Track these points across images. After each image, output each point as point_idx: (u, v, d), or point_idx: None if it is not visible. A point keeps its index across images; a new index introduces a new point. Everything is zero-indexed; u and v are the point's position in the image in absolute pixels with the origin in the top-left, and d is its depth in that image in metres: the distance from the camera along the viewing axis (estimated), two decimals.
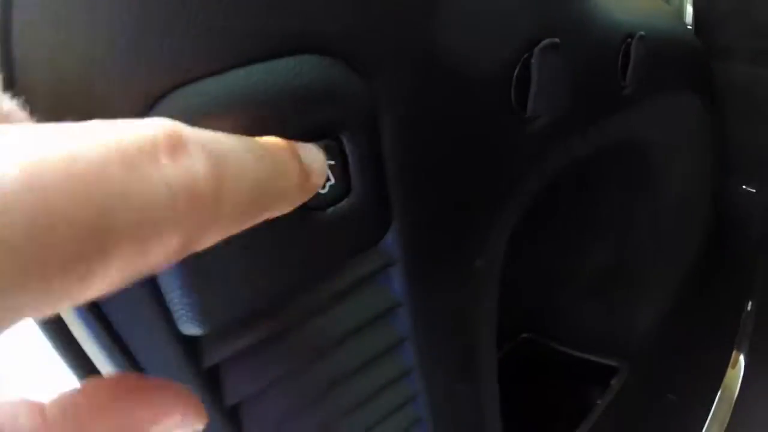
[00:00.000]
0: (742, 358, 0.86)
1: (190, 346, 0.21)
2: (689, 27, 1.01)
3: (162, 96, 0.15)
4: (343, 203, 0.20)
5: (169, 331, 0.20)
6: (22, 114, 0.12)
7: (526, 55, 0.28)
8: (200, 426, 0.15)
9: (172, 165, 0.10)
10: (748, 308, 0.95)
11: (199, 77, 0.16)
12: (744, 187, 1.29)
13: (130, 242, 0.10)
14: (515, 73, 0.28)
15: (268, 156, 0.13)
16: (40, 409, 0.13)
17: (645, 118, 0.54)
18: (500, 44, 0.27)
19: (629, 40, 0.44)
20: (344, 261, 0.22)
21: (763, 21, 1.04)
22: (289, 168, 0.14)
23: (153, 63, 0.15)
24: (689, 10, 1.11)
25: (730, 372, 0.83)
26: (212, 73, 0.16)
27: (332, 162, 0.18)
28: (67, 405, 0.13)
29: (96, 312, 0.17)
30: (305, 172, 0.15)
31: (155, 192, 0.10)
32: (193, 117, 0.15)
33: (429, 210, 0.25)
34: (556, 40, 0.30)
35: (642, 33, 0.45)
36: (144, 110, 0.15)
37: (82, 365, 0.19)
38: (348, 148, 0.19)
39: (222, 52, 0.16)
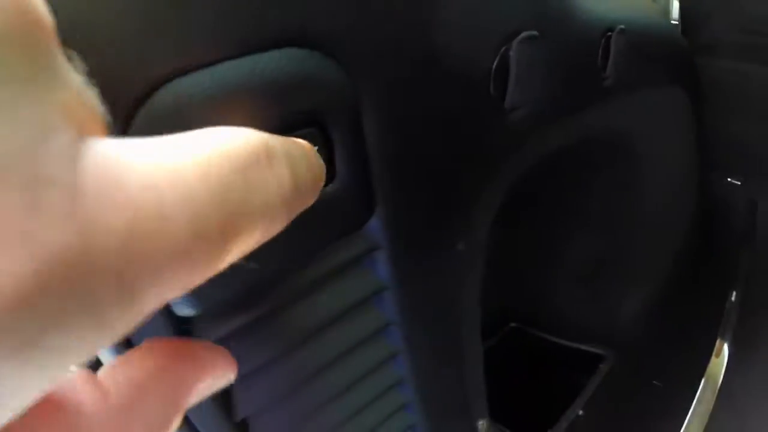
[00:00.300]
0: (726, 347, 0.88)
1: (184, 327, 0.22)
2: (675, 22, 1.03)
3: (161, 85, 0.16)
4: (328, 188, 0.21)
5: (163, 312, 0.20)
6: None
7: (504, 48, 0.30)
8: (233, 377, 0.17)
9: (271, 170, 0.13)
10: (732, 298, 0.97)
11: (194, 68, 0.17)
12: (729, 179, 1.32)
13: (256, 229, 0.12)
14: (494, 65, 0.29)
15: (312, 158, 0.16)
16: (94, 379, 0.13)
17: (628, 111, 0.55)
18: (479, 37, 0.28)
19: (610, 33, 0.45)
20: (329, 244, 0.23)
21: (749, 16, 1.06)
22: (317, 169, 0.16)
23: (152, 54, 0.16)
24: (675, 5, 1.13)
25: (714, 360, 0.85)
26: (206, 65, 0.17)
27: (317, 148, 0.19)
28: (118, 374, 0.14)
29: None
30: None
31: (270, 191, 0.12)
32: (191, 105, 0.16)
33: (411, 196, 0.26)
34: (535, 32, 0.31)
35: (622, 27, 0.46)
36: (143, 97, 0.16)
37: None
38: (333, 136, 0.20)
39: (215, 44, 0.17)
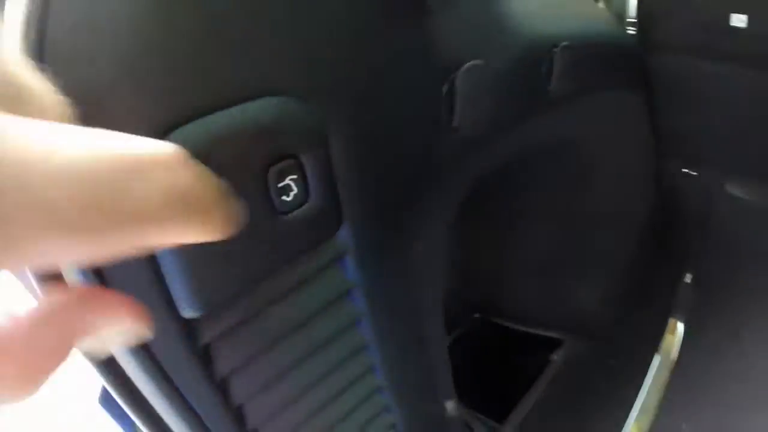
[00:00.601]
0: (680, 325, 0.95)
1: (188, 328, 0.26)
2: (632, 21, 1.09)
3: (171, 130, 0.20)
4: (304, 207, 0.26)
5: (171, 315, 0.25)
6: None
7: (452, 76, 0.35)
8: (147, 335, 0.18)
9: (150, 175, 0.14)
10: (687, 280, 1.04)
11: (192, 118, 0.21)
12: (685, 170, 1.39)
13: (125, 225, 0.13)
14: (444, 91, 0.34)
15: (199, 177, 0.16)
16: (11, 314, 0.15)
17: (574, 118, 0.61)
18: (428, 73, 0.33)
19: (555, 49, 0.50)
20: (306, 252, 0.28)
21: (702, 16, 1.13)
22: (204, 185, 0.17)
23: (170, 101, 0.20)
24: (633, 5, 1.19)
25: (668, 338, 0.92)
26: (201, 115, 0.21)
27: (295, 176, 0.24)
28: (37, 311, 0.16)
29: None
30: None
31: (140, 194, 0.13)
32: (196, 146, 0.21)
33: (372, 209, 0.31)
34: (478, 61, 0.36)
35: (565, 43, 0.51)
36: (165, 132, 0.21)
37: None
38: (306, 166, 0.25)
39: (210, 98, 0.22)
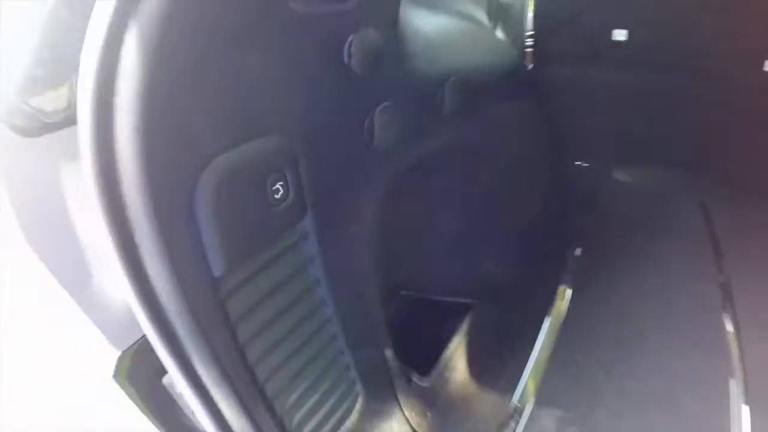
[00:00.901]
0: (568, 292, 1.15)
1: (214, 284, 0.41)
2: (529, 36, 1.32)
3: (215, 156, 0.35)
4: (286, 202, 0.41)
5: (206, 274, 0.39)
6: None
7: (372, 113, 0.51)
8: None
9: None
10: (577, 253, 1.25)
11: (227, 149, 0.36)
12: (577, 162, 1.64)
13: None
14: (366, 123, 0.51)
15: None
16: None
17: (468, 128, 0.80)
18: (355, 112, 0.49)
19: (446, 82, 0.69)
20: (286, 229, 0.43)
21: (588, 32, 1.37)
22: None
23: (199, 147, 0.35)
24: (530, 17, 1.42)
25: (558, 303, 1.11)
26: (233, 147, 0.37)
27: (282, 183, 0.40)
28: None
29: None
30: None
31: None
32: (230, 166, 0.36)
33: (324, 201, 0.47)
34: (388, 103, 0.53)
35: (454, 78, 0.70)
36: (199, 171, 0.35)
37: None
38: (288, 177, 0.41)
39: (236, 137, 0.37)
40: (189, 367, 0.43)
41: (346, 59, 0.45)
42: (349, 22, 0.45)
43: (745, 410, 0.83)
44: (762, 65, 1.26)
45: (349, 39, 0.45)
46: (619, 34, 1.42)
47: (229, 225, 0.37)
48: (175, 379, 0.44)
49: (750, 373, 0.89)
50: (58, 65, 0.43)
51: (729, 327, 0.99)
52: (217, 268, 0.39)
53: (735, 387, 0.87)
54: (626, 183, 1.65)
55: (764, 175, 1.37)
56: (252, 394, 0.47)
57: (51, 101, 0.43)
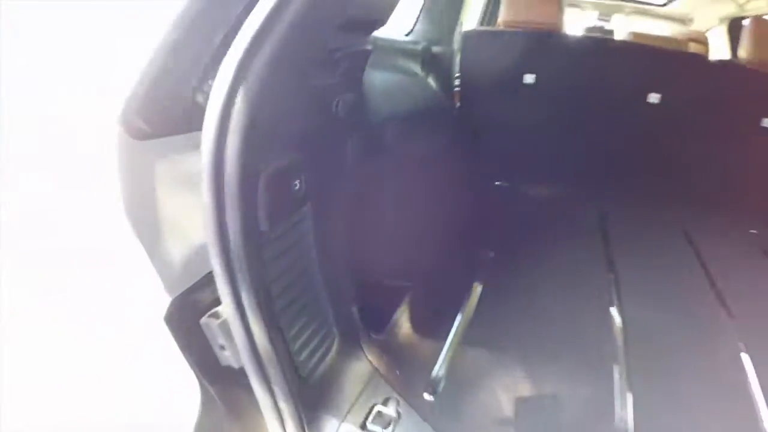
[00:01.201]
0: (480, 287, 1.39)
1: (260, 237, 0.69)
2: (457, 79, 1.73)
3: (266, 167, 0.65)
4: (299, 192, 0.71)
5: (255, 229, 0.68)
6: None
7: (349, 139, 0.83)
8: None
9: None
10: (491, 255, 1.55)
11: (272, 161, 0.66)
12: (497, 183, 1.98)
13: None
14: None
15: None
16: None
17: (407, 155, 1.12)
18: (339, 139, 0.80)
19: (386, 123, 1.01)
20: (297, 209, 0.73)
21: (503, 76, 1.89)
22: None
23: (266, 156, 0.65)
24: (457, 65, 1.84)
25: (473, 295, 1.35)
26: (275, 160, 0.66)
27: (299, 181, 0.70)
28: None
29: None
30: None
31: None
32: (273, 174, 0.66)
33: (317, 195, 0.77)
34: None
35: (394, 121, 1.02)
36: (263, 170, 0.65)
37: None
38: (302, 178, 0.71)
39: (278, 153, 0.67)
40: (237, 293, 0.70)
41: (334, 110, 0.77)
42: (336, 90, 0.77)
43: (629, 396, 1.00)
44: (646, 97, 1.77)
45: (337, 99, 0.76)
46: (529, 78, 1.84)
47: (272, 200, 0.66)
48: (224, 303, 0.70)
49: (632, 360, 1.09)
50: (174, 78, 0.56)
51: (617, 319, 1.23)
52: (264, 225, 0.67)
53: (617, 373, 1.06)
54: (534, 197, 2.03)
55: (656, 179, 1.84)
56: (272, 320, 0.74)
57: (165, 109, 0.56)
